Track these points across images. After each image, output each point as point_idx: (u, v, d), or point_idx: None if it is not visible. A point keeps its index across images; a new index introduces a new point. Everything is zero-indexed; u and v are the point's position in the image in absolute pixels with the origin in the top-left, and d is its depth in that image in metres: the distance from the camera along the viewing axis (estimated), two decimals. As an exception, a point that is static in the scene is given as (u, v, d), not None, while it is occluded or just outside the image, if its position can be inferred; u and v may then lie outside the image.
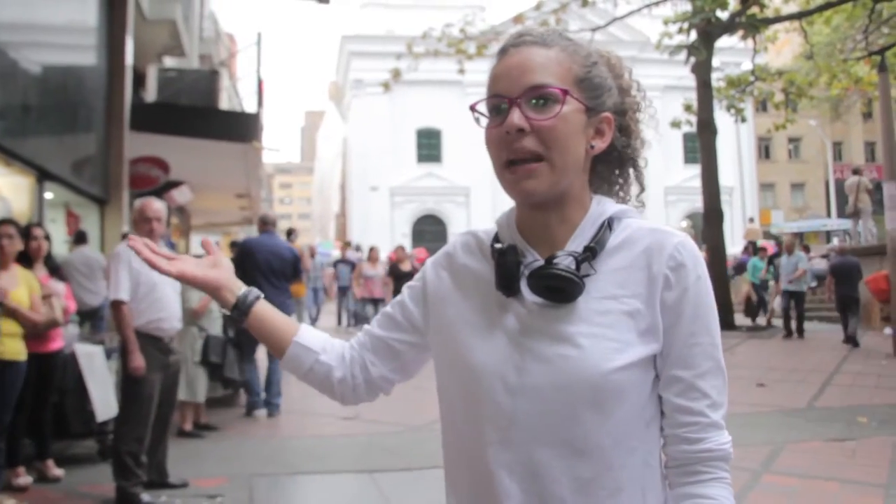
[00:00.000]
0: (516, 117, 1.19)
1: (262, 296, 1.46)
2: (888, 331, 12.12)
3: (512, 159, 1.21)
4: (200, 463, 5.90)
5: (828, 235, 33.85)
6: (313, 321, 17.75)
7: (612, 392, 1.17)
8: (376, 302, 14.41)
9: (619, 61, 1.37)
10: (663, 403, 1.25)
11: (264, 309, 1.44)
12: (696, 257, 1.23)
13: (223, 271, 1.43)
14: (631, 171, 1.38)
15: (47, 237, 5.73)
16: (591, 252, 1.22)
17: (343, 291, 17.96)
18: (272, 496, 5.10)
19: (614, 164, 1.36)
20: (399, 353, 1.44)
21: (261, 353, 8.02)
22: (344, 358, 1.46)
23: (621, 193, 1.38)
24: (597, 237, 1.24)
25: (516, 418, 1.21)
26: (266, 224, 8.09)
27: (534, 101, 1.20)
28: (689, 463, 1.22)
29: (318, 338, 1.46)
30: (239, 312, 1.42)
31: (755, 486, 5.02)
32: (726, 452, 1.22)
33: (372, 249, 15.50)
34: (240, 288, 1.43)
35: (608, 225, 1.26)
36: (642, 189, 1.40)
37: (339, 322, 18.18)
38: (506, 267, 1.26)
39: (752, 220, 30.59)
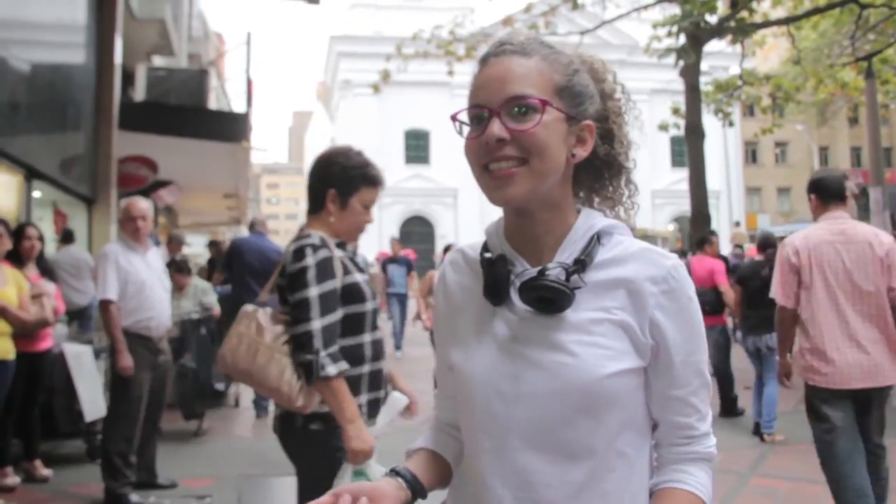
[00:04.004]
0: (496, 128, 1.18)
1: (403, 468, 1.35)
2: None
3: (491, 164, 1.20)
4: (189, 463, 5.90)
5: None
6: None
7: (605, 398, 1.19)
8: None
9: (602, 65, 1.35)
10: (656, 415, 1.28)
11: (419, 470, 1.37)
12: (687, 280, 1.26)
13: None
14: (621, 177, 1.37)
15: (41, 238, 5.70)
16: (581, 265, 1.23)
17: (401, 301, 13.27)
18: (260, 497, 5.10)
19: (598, 171, 1.35)
20: None
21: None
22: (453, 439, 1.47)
23: (609, 200, 1.37)
24: (586, 250, 1.25)
25: (510, 426, 1.22)
26: (254, 226, 8.29)
27: (514, 109, 1.19)
28: (676, 462, 1.28)
29: (440, 443, 1.47)
30: (421, 492, 1.33)
31: (742, 490, 5.06)
32: (711, 454, 1.29)
33: (447, 250, 8.47)
34: (399, 486, 1.30)
35: (597, 239, 1.27)
36: (635, 190, 1.39)
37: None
38: (495, 276, 1.27)
39: (738, 223, 30.72)
